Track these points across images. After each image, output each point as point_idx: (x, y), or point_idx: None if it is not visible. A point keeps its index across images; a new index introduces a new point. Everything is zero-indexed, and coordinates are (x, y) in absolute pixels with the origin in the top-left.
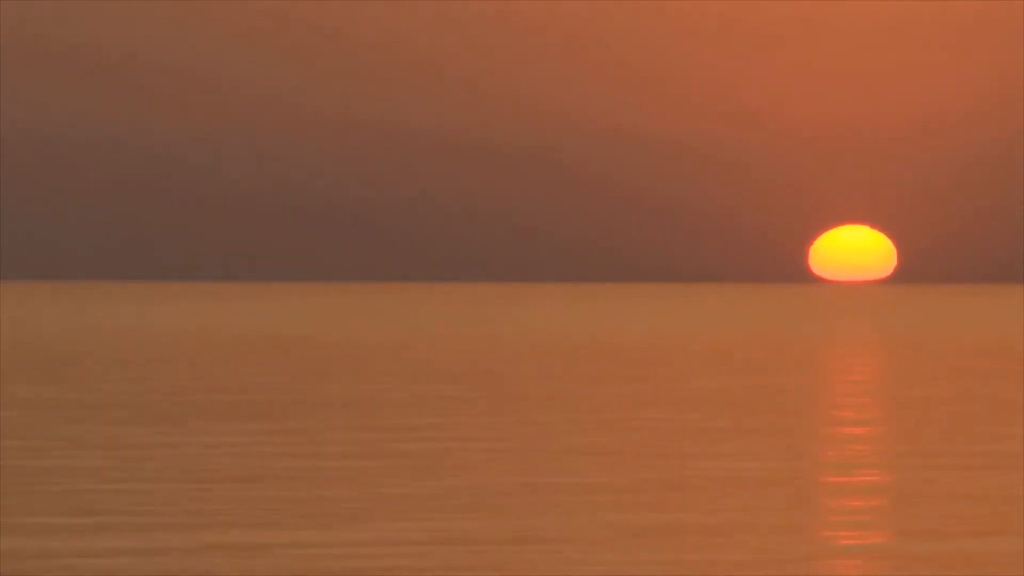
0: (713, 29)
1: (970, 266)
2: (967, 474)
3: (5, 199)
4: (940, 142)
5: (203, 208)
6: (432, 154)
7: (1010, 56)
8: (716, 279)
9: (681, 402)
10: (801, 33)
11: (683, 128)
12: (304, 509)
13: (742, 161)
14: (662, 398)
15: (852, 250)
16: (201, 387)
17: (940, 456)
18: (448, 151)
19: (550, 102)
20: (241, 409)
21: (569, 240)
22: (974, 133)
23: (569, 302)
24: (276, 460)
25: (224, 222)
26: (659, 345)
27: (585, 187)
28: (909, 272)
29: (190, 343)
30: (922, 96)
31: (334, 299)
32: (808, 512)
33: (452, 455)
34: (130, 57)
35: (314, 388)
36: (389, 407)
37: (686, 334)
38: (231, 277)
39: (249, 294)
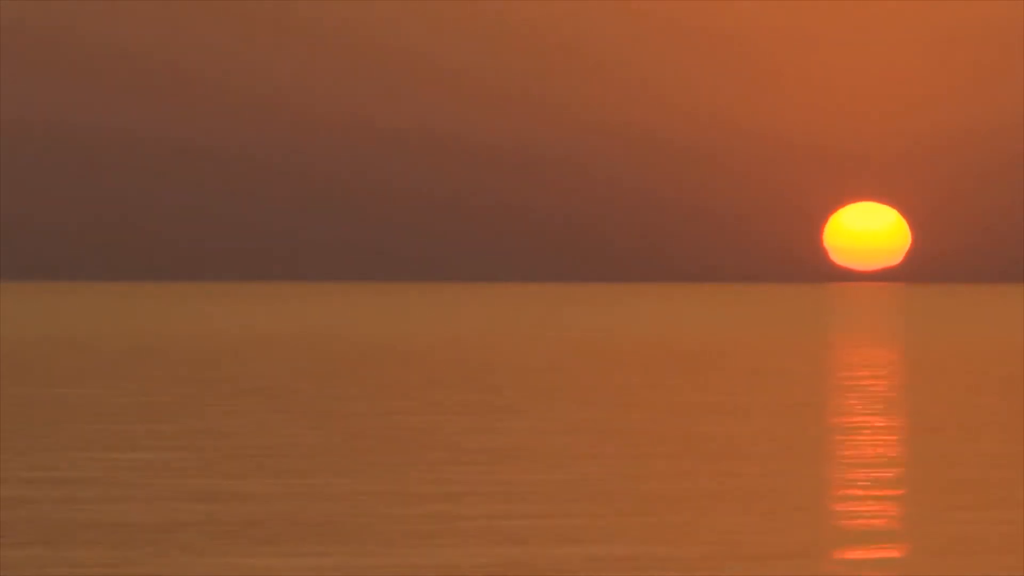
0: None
1: (983, 245)
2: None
3: (5, 199)
4: (951, 122)
5: (202, 209)
6: (434, 154)
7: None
8: (734, 269)
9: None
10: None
11: (686, 119)
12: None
13: (749, 147)
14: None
15: (866, 231)
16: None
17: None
18: (450, 151)
19: (556, 103)
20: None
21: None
22: (988, 110)
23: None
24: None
25: (223, 223)
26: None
27: (598, 186)
28: (923, 253)
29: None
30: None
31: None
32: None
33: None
34: (133, 56)
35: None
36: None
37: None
38: (230, 277)
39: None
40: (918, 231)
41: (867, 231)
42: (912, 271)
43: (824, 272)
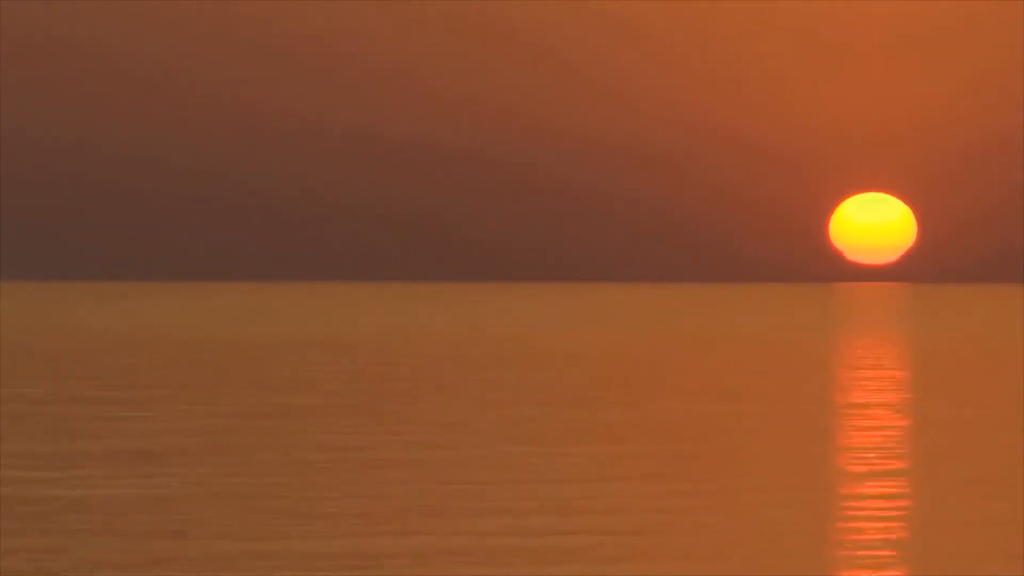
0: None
1: (989, 236)
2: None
3: (5, 199)
4: (959, 112)
5: (201, 209)
6: (429, 163)
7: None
8: (738, 268)
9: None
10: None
11: (694, 116)
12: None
13: (757, 138)
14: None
15: (872, 221)
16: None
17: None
18: (460, 160)
19: (561, 108)
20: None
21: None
22: (995, 101)
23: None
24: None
25: (222, 223)
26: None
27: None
28: (929, 242)
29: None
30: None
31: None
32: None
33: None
34: (130, 60)
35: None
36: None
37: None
38: (231, 277)
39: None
40: (923, 223)
41: (873, 224)
42: (915, 266)
43: (836, 269)
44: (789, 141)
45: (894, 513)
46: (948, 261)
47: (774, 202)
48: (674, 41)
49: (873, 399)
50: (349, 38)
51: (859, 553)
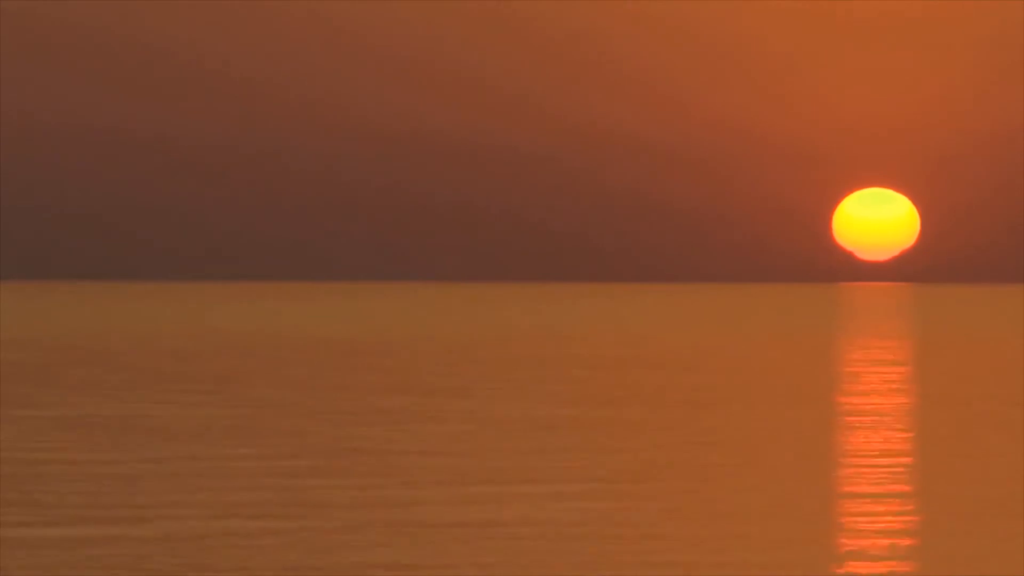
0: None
1: (991, 232)
2: None
3: (5, 199)
4: (962, 111)
5: (205, 208)
6: (437, 155)
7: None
8: (742, 268)
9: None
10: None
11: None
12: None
13: (761, 135)
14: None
15: (875, 217)
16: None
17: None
18: (470, 154)
19: (569, 107)
20: None
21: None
22: (999, 102)
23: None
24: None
25: (226, 222)
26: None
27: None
28: (933, 238)
29: None
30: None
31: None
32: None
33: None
34: (135, 54)
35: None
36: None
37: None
38: (232, 277)
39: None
40: (927, 220)
41: (876, 220)
42: (918, 264)
43: (840, 266)
44: (790, 137)
45: (896, 511)
46: (951, 259)
47: (776, 198)
48: (675, 36)
49: (883, 401)
50: (373, 32)
51: (863, 550)
